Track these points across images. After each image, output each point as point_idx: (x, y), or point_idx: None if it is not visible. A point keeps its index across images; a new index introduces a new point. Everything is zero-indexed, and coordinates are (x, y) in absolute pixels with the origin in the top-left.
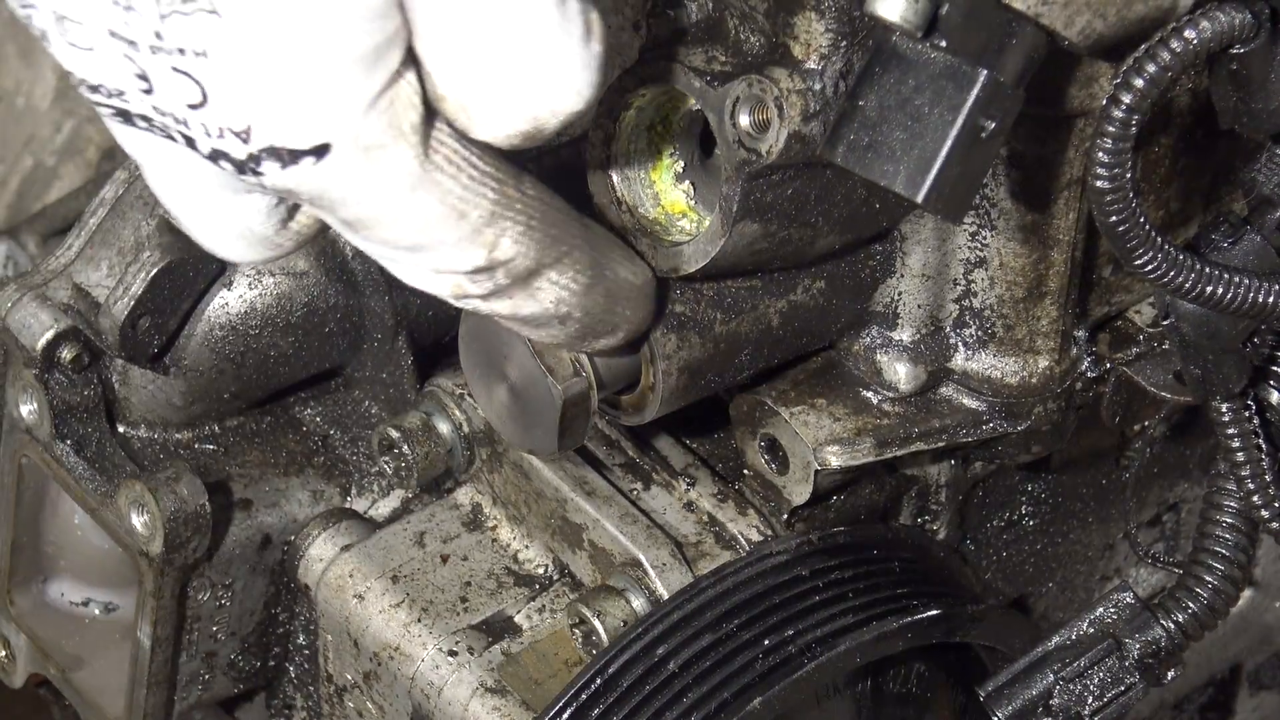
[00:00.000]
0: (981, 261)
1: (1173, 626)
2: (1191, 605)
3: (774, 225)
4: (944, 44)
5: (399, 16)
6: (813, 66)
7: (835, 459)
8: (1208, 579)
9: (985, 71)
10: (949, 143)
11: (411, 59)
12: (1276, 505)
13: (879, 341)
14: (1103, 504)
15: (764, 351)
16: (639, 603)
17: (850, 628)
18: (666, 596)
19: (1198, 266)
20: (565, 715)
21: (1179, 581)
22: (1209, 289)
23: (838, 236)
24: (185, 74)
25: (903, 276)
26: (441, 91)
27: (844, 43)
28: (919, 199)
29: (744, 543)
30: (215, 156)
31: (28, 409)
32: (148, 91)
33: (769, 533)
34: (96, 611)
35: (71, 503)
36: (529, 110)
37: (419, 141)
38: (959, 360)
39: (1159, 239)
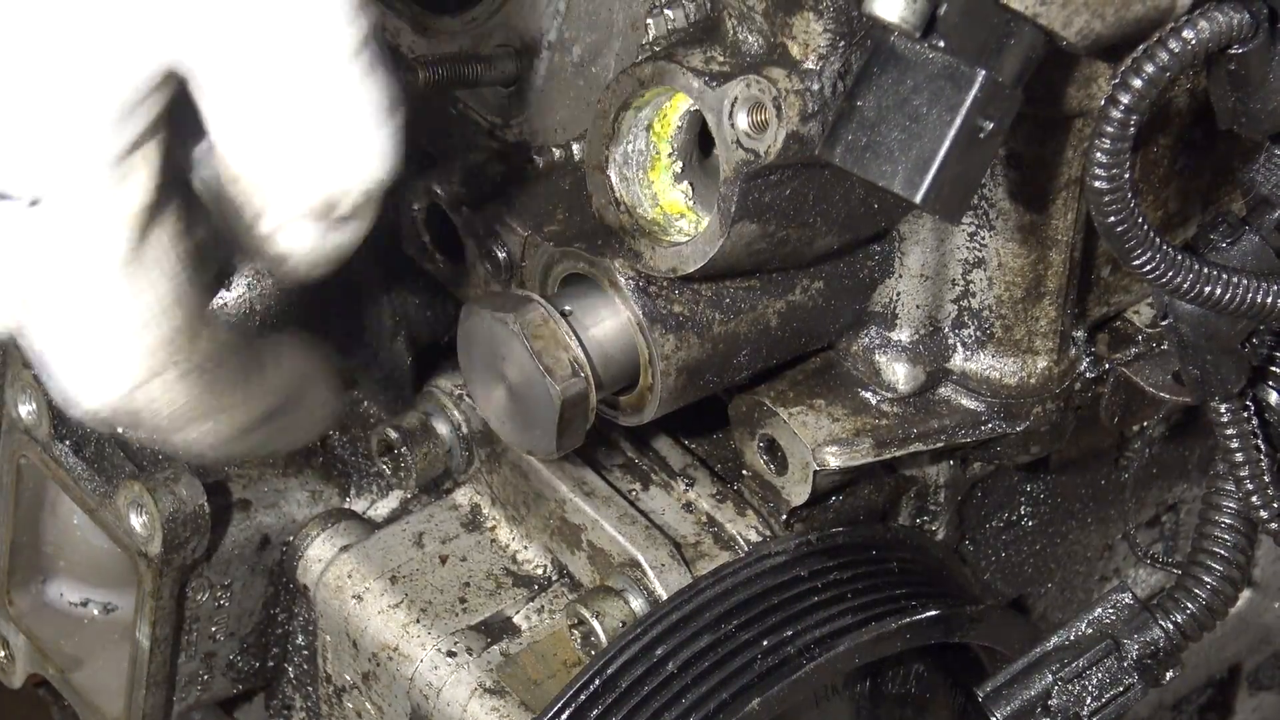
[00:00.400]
0: (980, 262)
1: (1171, 627)
2: (1190, 606)
3: (772, 225)
4: (942, 44)
5: (153, 101)
6: (811, 67)
7: (834, 459)
8: (1206, 579)
9: (983, 72)
10: (947, 143)
11: (161, 138)
12: (1275, 506)
13: (877, 342)
14: (1101, 504)
15: (762, 352)
16: (638, 603)
17: (849, 628)
18: (665, 597)
19: (1196, 267)
20: (564, 716)
21: (1178, 582)
22: (1207, 289)
23: (836, 237)
24: None
25: (901, 277)
26: (235, 173)
27: (842, 43)
28: (917, 199)
29: (743, 543)
30: None
31: (26, 409)
32: None
33: (768, 533)
34: (95, 612)
35: (70, 503)
36: (326, 191)
37: (138, 228)
38: (958, 361)
39: (1157, 239)
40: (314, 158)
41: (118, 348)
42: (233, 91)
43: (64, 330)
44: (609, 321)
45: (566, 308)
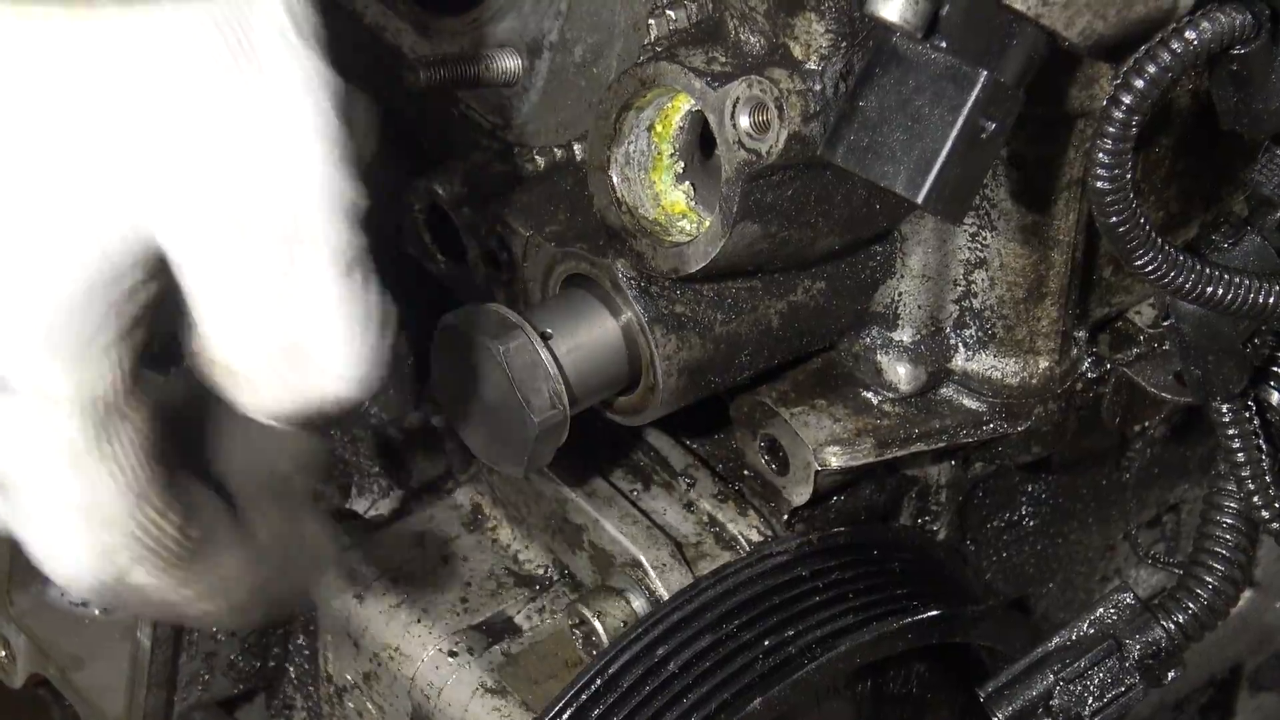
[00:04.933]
0: (982, 262)
1: (1173, 627)
2: (1191, 606)
3: (774, 226)
4: (944, 45)
5: (129, 294)
6: (813, 67)
7: (835, 459)
8: (1208, 579)
9: (985, 72)
10: (949, 143)
11: (138, 332)
12: (1277, 506)
13: (879, 342)
14: (1103, 505)
15: (764, 352)
16: (639, 603)
17: (850, 628)
18: (667, 597)
19: (1198, 267)
20: (565, 716)
21: (1179, 582)
22: (1209, 290)
23: (838, 237)
24: None
25: (903, 277)
26: (212, 356)
27: (844, 43)
28: (919, 200)
29: (744, 543)
30: None
31: None
32: None
33: (769, 533)
34: (96, 612)
35: None
36: (303, 395)
37: (94, 422)
38: (959, 361)
39: (1159, 240)
40: (291, 366)
41: (89, 541)
42: (213, 283)
43: (37, 521)
44: (595, 336)
45: (548, 330)
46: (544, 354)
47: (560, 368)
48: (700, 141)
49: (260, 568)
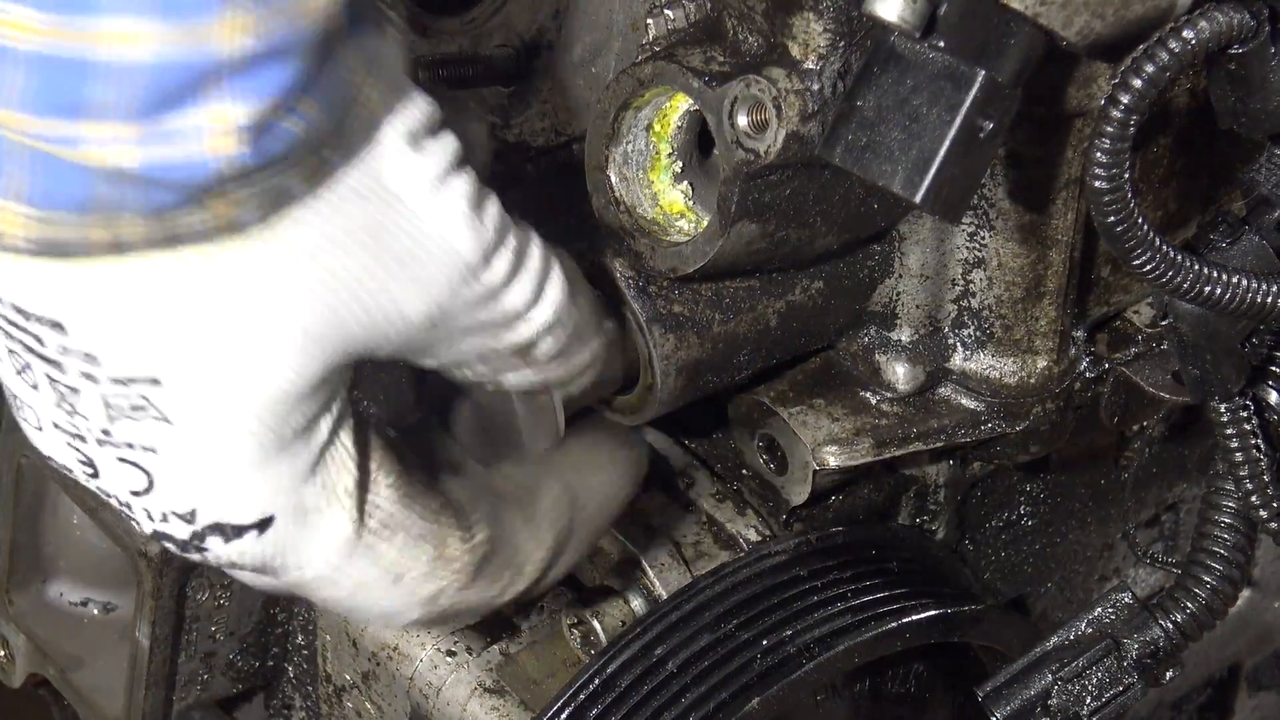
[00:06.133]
0: (980, 262)
1: (1171, 627)
2: (1190, 605)
3: (772, 225)
4: (942, 44)
5: (326, 388)
6: (811, 67)
7: (833, 459)
8: (1206, 579)
9: (983, 72)
10: (947, 143)
11: (345, 420)
12: (1275, 505)
13: (877, 342)
14: (1101, 504)
15: (762, 352)
16: (637, 603)
17: (848, 628)
18: (665, 596)
19: (1196, 267)
20: (563, 715)
21: (1177, 582)
22: (1207, 289)
23: (836, 237)
24: (132, 464)
25: (901, 277)
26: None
27: (842, 43)
28: (917, 199)
29: (742, 543)
30: (158, 537)
31: None
32: (93, 476)
33: (767, 533)
34: (95, 611)
35: (70, 503)
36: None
37: (353, 506)
38: (957, 360)
39: (1157, 239)
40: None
41: (391, 598)
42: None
43: (340, 598)
44: None
45: None
46: None
47: None
48: (698, 141)
49: (549, 536)
